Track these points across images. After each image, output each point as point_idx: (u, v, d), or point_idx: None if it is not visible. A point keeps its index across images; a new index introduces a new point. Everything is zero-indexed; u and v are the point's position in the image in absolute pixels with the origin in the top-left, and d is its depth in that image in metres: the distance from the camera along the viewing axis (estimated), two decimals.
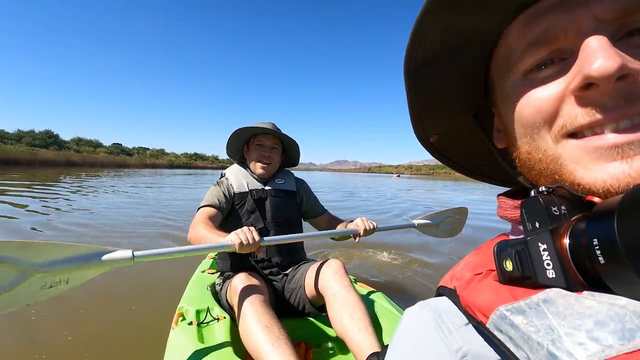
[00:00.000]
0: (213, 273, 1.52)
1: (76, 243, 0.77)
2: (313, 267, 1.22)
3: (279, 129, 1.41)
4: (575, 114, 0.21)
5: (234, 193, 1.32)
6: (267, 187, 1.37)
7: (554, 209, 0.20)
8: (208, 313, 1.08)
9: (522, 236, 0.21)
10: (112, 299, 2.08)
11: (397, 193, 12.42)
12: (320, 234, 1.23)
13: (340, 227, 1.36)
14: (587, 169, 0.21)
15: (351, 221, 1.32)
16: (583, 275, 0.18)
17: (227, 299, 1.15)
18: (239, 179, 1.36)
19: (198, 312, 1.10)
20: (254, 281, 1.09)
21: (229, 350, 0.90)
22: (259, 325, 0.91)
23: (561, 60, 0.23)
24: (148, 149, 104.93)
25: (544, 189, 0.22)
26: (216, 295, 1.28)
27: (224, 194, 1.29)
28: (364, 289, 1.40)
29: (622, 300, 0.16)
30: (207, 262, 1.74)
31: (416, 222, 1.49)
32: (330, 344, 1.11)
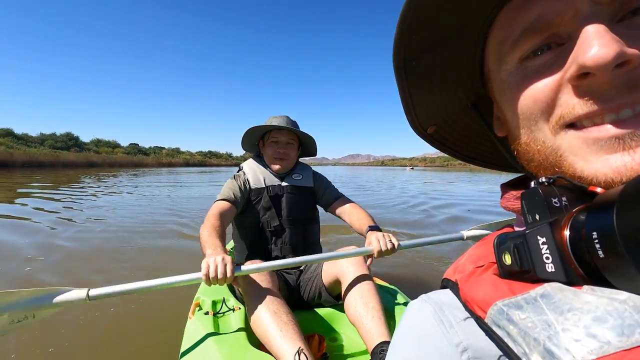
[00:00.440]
0: None
1: (29, 289, 0.83)
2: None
3: (294, 122, 1.39)
4: (573, 104, 0.20)
5: (251, 188, 1.31)
6: (283, 184, 1.36)
7: (554, 200, 0.20)
8: (223, 304, 1.11)
9: (523, 229, 0.21)
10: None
11: (406, 186, 12.20)
12: (325, 256, 1.07)
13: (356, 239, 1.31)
14: (587, 161, 0.21)
15: (372, 228, 1.19)
16: (584, 269, 0.18)
17: (239, 289, 1.17)
18: (255, 173, 1.35)
19: (214, 303, 1.13)
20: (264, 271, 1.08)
21: (243, 338, 0.92)
22: (267, 312, 0.92)
23: (558, 45, 0.22)
24: (164, 148, 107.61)
25: (544, 179, 0.21)
26: (232, 287, 1.31)
27: (240, 188, 1.29)
28: (379, 282, 1.40)
29: (623, 295, 0.16)
30: None
31: (466, 233, 1.34)
32: (343, 336, 1.12)
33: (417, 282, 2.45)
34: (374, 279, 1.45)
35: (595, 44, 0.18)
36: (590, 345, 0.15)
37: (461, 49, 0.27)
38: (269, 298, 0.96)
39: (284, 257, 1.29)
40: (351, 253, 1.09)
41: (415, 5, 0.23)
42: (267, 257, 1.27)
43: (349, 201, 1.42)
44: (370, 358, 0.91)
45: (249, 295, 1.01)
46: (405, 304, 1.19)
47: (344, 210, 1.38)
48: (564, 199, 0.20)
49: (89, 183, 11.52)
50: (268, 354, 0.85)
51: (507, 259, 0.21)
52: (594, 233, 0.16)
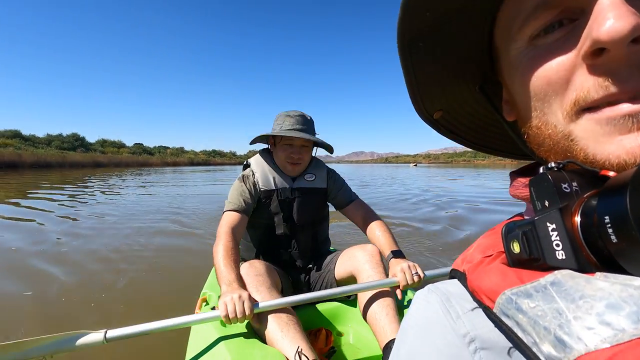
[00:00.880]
0: None
1: (48, 335, 0.84)
2: (347, 251, 1.19)
3: (310, 119, 1.27)
4: (588, 88, 0.19)
5: (260, 190, 1.23)
6: (295, 186, 1.26)
7: (564, 185, 0.19)
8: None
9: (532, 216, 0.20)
10: (141, 283, 2.24)
11: (407, 181, 12.21)
12: (347, 290, 1.00)
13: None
14: (599, 143, 0.20)
15: (395, 254, 1.11)
16: (597, 255, 0.17)
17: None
18: (265, 173, 1.25)
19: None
20: (262, 270, 1.05)
21: (250, 333, 0.93)
22: (268, 313, 0.91)
23: (571, 22, 0.20)
24: (168, 147, 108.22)
25: (553, 164, 0.20)
26: None
27: (249, 192, 1.21)
28: None
29: (638, 281, 0.15)
30: None
31: None
32: (351, 330, 1.12)
33: (429, 278, 2.45)
34: None
35: (611, 17, 0.17)
36: (604, 334, 0.14)
37: (469, 28, 0.26)
38: (267, 298, 0.96)
39: (292, 261, 1.26)
40: (375, 285, 1.01)
41: None
42: (275, 259, 1.24)
43: (365, 207, 1.33)
44: (381, 353, 0.91)
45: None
46: None
47: (360, 218, 1.30)
48: (574, 184, 0.19)
49: (108, 183, 11.67)
50: (276, 350, 0.86)
51: (516, 247, 0.20)
52: (606, 217, 0.16)
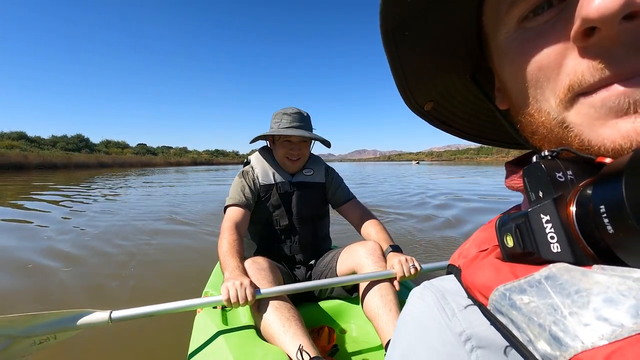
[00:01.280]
0: None
1: (53, 311, 0.83)
2: (348, 248, 1.20)
3: (307, 115, 1.30)
4: (582, 71, 0.18)
5: (260, 185, 1.26)
6: (294, 180, 1.30)
7: (558, 174, 0.18)
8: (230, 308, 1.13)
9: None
10: (144, 282, 2.28)
11: (407, 179, 12.21)
12: (345, 280, 1.05)
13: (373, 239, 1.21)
14: (594, 128, 0.19)
15: (393, 249, 1.14)
16: (594, 247, 0.16)
17: None
18: (264, 169, 1.29)
19: None
20: (264, 265, 1.07)
21: (252, 332, 0.93)
22: (269, 308, 0.92)
23: (560, 1, 0.19)
24: (171, 147, 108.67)
25: (547, 153, 0.19)
26: None
27: (249, 187, 1.24)
28: None
29: (637, 273, 0.14)
30: None
31: None
32: (354, 328, 1.12)
33: (430, 274, 2.46)
34: None
35: None
36: (602, 330, 0.14)
37: (455, 13, 0.25)
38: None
39: (293, 256, 1.28)
40: (372, 276, 1.04)
41: None
42: (276, 255, 1.26)
43: (362, 207, 1.35)
44: (384, 350, 0.91)
45: None
46: None
47: (356, 217, 1.33)
48: (569, 172, 0.18)
49: (115, 182, 11.79)
50: (277, 347, 0.86)
51: (509, 241, 0.20)
52: (602, 207, 0.15)
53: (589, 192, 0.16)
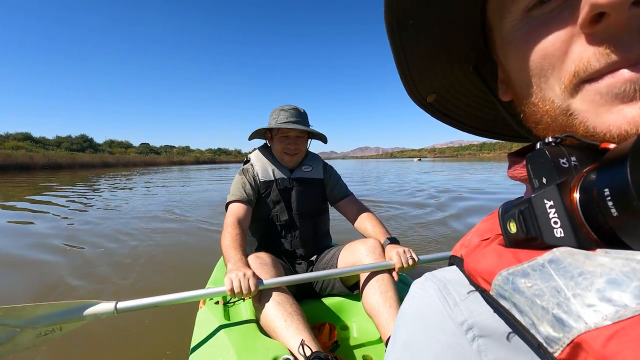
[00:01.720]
0: None
1: (60, 302, 0.83)
2: (349, 246, 1.21)
3: (303, 112, 1.34)
4: (588, 58, 0.18)
5: (260, 181, 1.29)
6: (292, 176, 1.33)
7: (562, 160, 0.18)
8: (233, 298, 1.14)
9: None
10: (148, 278, 2.31)
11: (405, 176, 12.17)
12: (345, 270, 1.07)
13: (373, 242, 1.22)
14: (599, 114, 0.18)
15: (391, 241, 1.16)
16: (597, 232, 0.16)
17: None
18: (264, 166, 1.32)
19: None
20: (267, 260, 1.08)
21: (253, 327, 0.94)
22: (271, 303, 0.93)
23: None
24: (174, 146, 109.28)
25: (551, 139, 0.19)
26: None
27: (250, 183, 1.27)
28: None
29: None
30: None
31: None
32: (355, 325, 1.13)
33: (429, 266, 2.47)
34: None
35: None
36: (605, 310, 0.14)
37: (460, 2, 0.25)
38: (273, 289, 0.97)
39: (294, 251, 1.29)
40: (371, 267, 1.06)
41: None
42: (277, 251, 1.27)
43: (359, 204, 1.38)
44: (385, 346, 0.92)
45: None
46: None
47: (353, 213, 1.35)
48: (573, 158, 0.18)
49: (122, 181, 11.89)
50: (278, 342, 0.86)
51: (512, 227, 0.20)
52: (606, 190, 0.15)
53: (593, 177, 0.16)
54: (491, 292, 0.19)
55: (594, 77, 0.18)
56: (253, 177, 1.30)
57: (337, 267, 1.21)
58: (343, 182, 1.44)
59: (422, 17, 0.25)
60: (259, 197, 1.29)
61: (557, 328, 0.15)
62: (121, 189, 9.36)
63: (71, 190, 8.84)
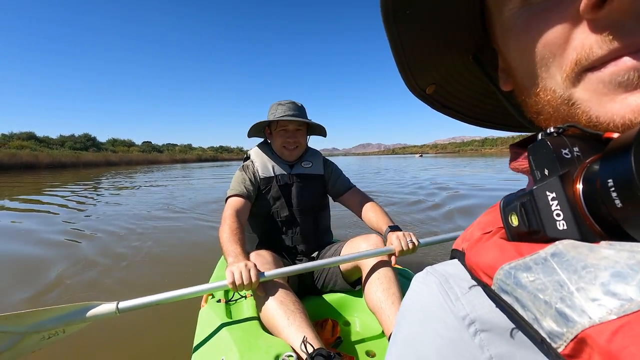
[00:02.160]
0: None
1: (62, 305, 0.84)
2: (350, 242, 1.21)
3: (301, 106, 1.33)
4: (590, 45, 0.17)
5: (260, 178, 1.29)
6: (292, 172, 1.32)
7: (564, 151, 0.17)
8: (235, 292, 1.15)
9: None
10: (148, 276, 2.32)
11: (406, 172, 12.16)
12: (346, 258, 1.07)
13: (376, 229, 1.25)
14: (602, 103, 0.18)
15: (392, 228, 1.16)
16: (601, 224, 0.16)
17: None
18: (264, 162, 1.32)
19: (226, 291, 1.15)
20: (269, 258, 1.08)
21: (255, 325, 0.94)
22: (273, 301, 0.93)
23: None
24: (176, 145, 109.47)
25: (552, 129, 0.19)
26: None
27: (250, 179, 1.27)
28: (395, 266, 1.40)
29: None
30: None
31: None
32: (357, 321, 1.13)
33: (432, 261, 2.46)
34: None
35: None
36: (610, 304, 0.13)
37: None
38: (275, 287, 0.97)
39: (295, 247, 1.29)
40: (372, 253, 1.07)
41: None
42: (278, 247, 1.27)
43: (362, 194, 1.38)
44: (388, 342, 0.92)
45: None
46: None
47: (357, 204, 1.35)
48: (575, 149, 0.18)
49: (127, 180, 11.97)
50: (281, 340, 0.86)
51: (514, 220, 0.19)
52: (609, 180, 0.14)
53: (596, 167, 0.16)
54: (493, 287, 0.19)
55: (596, 65, 0.18)
56: (253, 174, 1.30)
57: (339, 264, 1.20)
58: (345, 176, 1.44)
59: (420, 6, 0.24)
60: (259, 194, 1.29)
61: (561, 323, 0.14)
62: (124, 187, 9.41)
63: (74, 187, 8.92)
